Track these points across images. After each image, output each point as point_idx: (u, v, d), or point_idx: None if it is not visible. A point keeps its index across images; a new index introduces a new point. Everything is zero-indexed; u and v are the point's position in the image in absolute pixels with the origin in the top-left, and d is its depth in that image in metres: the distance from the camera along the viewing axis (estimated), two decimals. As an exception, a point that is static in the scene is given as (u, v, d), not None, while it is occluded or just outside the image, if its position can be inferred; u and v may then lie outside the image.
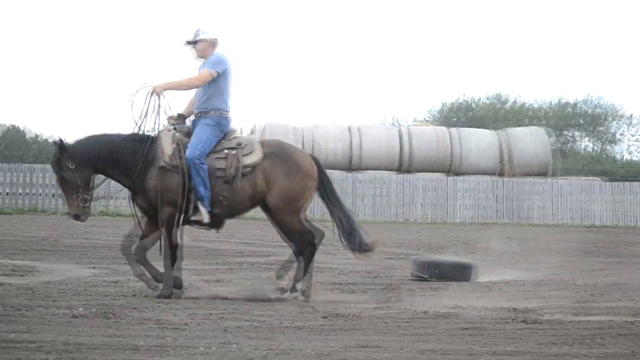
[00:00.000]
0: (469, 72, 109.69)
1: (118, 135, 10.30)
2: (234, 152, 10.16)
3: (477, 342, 7.69)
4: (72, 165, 10.02)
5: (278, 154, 10.31)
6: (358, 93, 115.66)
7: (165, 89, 10.28)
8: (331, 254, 16.18)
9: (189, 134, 10.19)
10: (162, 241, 10.05)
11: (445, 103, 74.22)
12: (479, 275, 12.63)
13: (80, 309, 8.67)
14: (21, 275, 11.57)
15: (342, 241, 10.74)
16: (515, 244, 20.42)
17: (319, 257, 15.56)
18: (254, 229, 22.84)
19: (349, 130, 34.02)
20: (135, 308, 8.96)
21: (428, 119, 72.20)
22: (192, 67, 10.48)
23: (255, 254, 16.01)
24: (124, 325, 7.97)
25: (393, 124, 62.15)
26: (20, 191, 31.00)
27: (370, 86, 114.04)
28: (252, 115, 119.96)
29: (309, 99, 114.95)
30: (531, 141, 35.25)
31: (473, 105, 73.34)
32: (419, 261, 12.61)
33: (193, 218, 10.07)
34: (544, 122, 62.35)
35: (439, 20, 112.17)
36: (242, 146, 10.22)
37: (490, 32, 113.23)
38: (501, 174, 34.56)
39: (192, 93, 10.50)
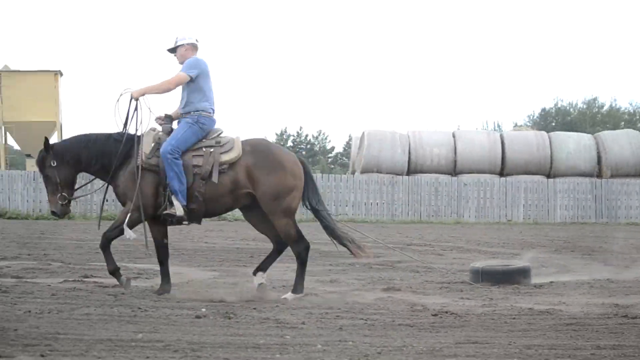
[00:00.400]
0: (565, 77, 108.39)
1: (102, 135, 10.29)
2: (211, 149, 10.01)
3: (581, 337, 7.55)
4: (54, 163, 10.07)
5: (261, 151, 10.11)
6: (459, 99, 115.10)
7: (143, 94, 10.22)
8: (439, 254, 16.02)
9: (170, 133, 10.16)
10: (146, 238, 10.02)
11: (545, 108, 73.63)
12: (533, 278, 12.01)
13: (203, 310, 8.68)
14: (146, 278, 11.65)
15: (333, 238, 10.45)
16: (615, 242, 19.99)
17: (428, 258, 15.48)
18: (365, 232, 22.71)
19: (453, 135, 33.90)
20: (254, 308, 8.93)
21: (528, 123, 71.70)
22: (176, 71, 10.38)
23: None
24: (245, 324, 7.94)
25: (495, 129, 61.72)
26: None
27: (471, 92, 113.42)
28: (355, 123, 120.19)
29: (411, 106, 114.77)
30: (626, 143, 34.64)
31: (570, 109, 72.51)
32: (473, 268, 12.18)
33: (165, 212, 9.90)
34: (639, 126, 61.32)
35: (540, 25, 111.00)
36: (221, 144, 10.06)
37: (586, 37, 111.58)
38: (598, 176, 34.05)
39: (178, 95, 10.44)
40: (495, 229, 27.40)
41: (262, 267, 10.34)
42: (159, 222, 10.11)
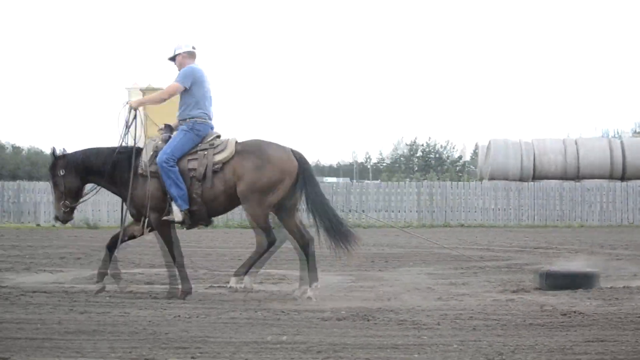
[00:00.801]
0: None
1: (108, 148, 10.32)
2: (205, 152, 9.93)
3: None
4: (62, 172, 10.18)
5: (251, 150, 9.94)
6: (576, 106, 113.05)
7: (140, 105, 10.38)
8: (552, 256, 15.66)
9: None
10: (159, 244, 10.10)
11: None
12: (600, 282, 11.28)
13: (343, 312, 8.64)
14: (288, 283, 11.59)
15: (321, 237, 10.06)
16: None
17: (542, 260, 15.12)
18: (491, 237, 22.48)
19: (575, 143, 33.28)
20: (391, 310, 8.84)
21: (647, 130, 69.96)
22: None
23: (497, 258, 15.64)
24: (383, 326, 7.87)
25: (614, 136, 60.35)
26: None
27: (588, 99, 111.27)
28: (478, 133, 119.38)
29: (529, 114, 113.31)
30: None
31: (690, 114, 70.43)
32: (539, 272, 11.50)
33: (164, 217, 9.89)
34: None
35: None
36: (215, 146, 9.98)
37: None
38: None
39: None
40: (618, 231, 26.76)
41: (305, 276, 10.06)
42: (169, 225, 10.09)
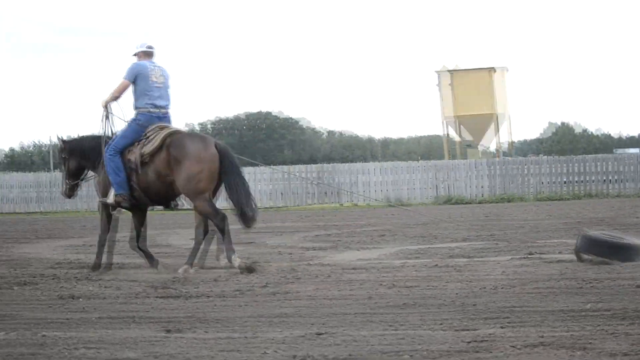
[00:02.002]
0: None
1: (92, 137, 11.35)
2: (138, 144, 10.56)
3: None
4: (65, 156, 11.36)
5: (174, 144, 10.40)
6: None
7: (108, 101, 11.11)
8: None
9: None
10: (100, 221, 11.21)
11: None
12: None
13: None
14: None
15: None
16: None
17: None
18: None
19: None
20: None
21: None
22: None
23: None
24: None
25: None
26: (575, 179, 31.48)
27: None
28: None
29: None
30: None
31: None
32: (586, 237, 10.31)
33: (101, 199, 10.98)
34: None
35: None
36: (147, 137, 10.56)
37: None
38: None
39: None
40: None
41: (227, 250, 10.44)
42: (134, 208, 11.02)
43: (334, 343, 5.89)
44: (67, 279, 9.77)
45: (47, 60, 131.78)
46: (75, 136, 11.76)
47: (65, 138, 11.67)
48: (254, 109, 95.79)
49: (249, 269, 10.12)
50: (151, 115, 10.80)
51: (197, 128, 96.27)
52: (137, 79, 10.83)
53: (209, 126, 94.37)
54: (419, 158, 44.79)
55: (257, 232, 17.53)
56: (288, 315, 7.14)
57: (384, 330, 6.34)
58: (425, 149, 79.48)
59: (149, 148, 10.54)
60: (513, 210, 24.90)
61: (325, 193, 32.79)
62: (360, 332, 6.26)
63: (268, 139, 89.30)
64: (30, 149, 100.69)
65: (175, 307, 7.66)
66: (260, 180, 32.95)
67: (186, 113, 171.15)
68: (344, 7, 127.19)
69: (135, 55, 11.16)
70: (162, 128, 10.68)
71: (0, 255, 13.18)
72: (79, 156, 11.35)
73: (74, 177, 11.52)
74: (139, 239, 11.04)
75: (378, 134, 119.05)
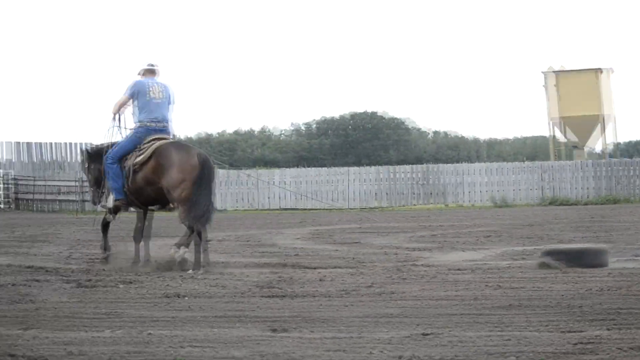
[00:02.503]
0: None
1: (102, 146, 11.96)
2: (131, 154, 11.26)
3: None
4: (87, 164, 12.18)
5: (162, 153, 11.04)
6: None
7: (114, 112, 11.75)
8: None
9: None
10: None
11: None
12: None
13: None
14: None
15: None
16: None
17: None
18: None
19: None
20: None
21: None
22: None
23: None
24: None
25: None
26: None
27: None
28: None
29: None
30: None
31: None
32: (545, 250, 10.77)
33: (102, 204, 11.81)
34: None
35: None
36: (140, 149, 11.24)
37: None
38: None
39: None
40: None
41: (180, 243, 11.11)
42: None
43: (440, 344, 5.85)
44: (173, 278, 9.85)
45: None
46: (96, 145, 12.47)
47: (88, 148, 12.57)
48: (359, 108, 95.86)
49: (183, 262, 10.89)
50: (148, 128, 11.43)
51: (302, 128, 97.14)
52: (136, 95, 11.51)
53: (314, 126, 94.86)
54: (525, 159, 44.25)
55: (362, 232, 17.59)
56: (394, 315, 7.12)
57: (490, 332, 6.28)
58: (530, 150, 78.37)
59: (140, 158, 11.24)
60: (619, 211, 24.44)
61: (431, 193, 32.70)
62: (466, 333, 6.20)
63: (374, 139, 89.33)
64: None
65: (281, 307, 7.68)
66: (366, 180, 33.05)
67: (291, 113, 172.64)
68: (449, 6, 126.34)
69: (139, 74, 11.81)
70: (157, 140, 11.33)
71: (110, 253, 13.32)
72: (99, 164, 11.86)
73: (98, 185, 12.01)
74: (143, 232, 11.68)
75: (483, 135, 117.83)
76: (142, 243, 11.61)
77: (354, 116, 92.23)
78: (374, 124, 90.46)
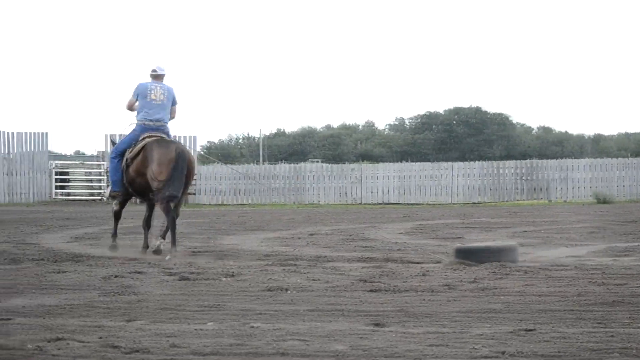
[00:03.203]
0: None
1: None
2: (129, 149, 12.36)
3: None
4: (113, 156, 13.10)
5: (147, 149, 12.08)
6: None
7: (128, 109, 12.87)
8: None
9: None
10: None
11: None
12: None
13: None
14: None
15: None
16: None
17: None
18: None
19: None
20: None
21: None
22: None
23: None
24: None
25: None
26: None
27: None
28: None
29: None
30: None
31: None
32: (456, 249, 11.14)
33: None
34: None
35: None
36: (134, 145, 12.34)
37: None
38: None
39: None
40: None
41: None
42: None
43: (543, 340, 5.78)
44: (275, 272, 9.83)
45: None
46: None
47: (114, 140, 14.04)
48: (464, 104, 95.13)
49: (157, 252, 11.78)
50: (145, 126, 12.51)
51: (407, 123, 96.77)
52: (138, 96, 12.61)
53: (419, 120, 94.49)
54: (629, 155, 43.28)
55: (465, 228, 17.47)
56: (497, 311, 7.06)
57: (593, 328, 6.19)
58: (636, 146, 76.62)
59: (131, 153, 12.35)
60: None
61: (534, 189, 32.28)
62: (570, 330, 6.13)
63: (478, 134, 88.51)
64: (240, 141, 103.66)
65: (384, 301, 7.66)
66: (470, 175, 32.79)
67: (396, 108, 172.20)
68: (551, 3, 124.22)
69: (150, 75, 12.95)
70: (148, 137, 12.36)
71: (209, 246, 13.51)
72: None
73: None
74: (149, 220, 12.67)
75: (589, 131, 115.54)
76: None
77: (459, 111, 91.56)
78: (479, 119, 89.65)
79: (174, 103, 12.78)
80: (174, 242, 11.75)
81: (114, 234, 12.79)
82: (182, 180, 12.08)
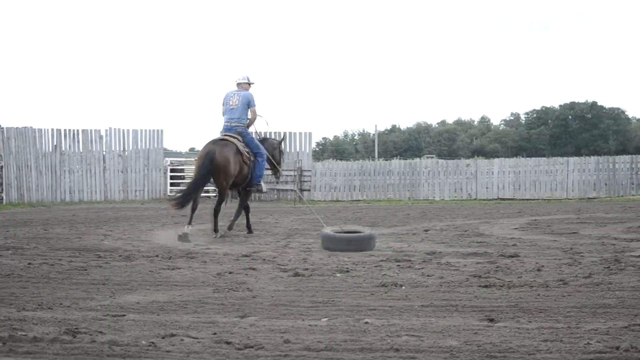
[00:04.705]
0: None
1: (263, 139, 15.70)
2: None
3: None
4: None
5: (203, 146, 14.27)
6: None
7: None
8: None
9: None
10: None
11: None
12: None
13: None
14: None
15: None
16: None
17: None
18: None
19: None
20: None
21: None
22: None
23: None
24: None
25: None
26: None
27: None
28: None
29: None
30: None
31: None
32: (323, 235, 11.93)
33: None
34: None
35: None
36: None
37: None
38: None
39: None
40: None
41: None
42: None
43: (658, 336, 5.66)
44: (389, 267, 9.78)
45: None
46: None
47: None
48: (579, 98, 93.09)
49: (182, 236, 13.35)
50: (224, 127, 14.52)
51: (522, 118, 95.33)
52: (224, 104, 14.61)
53: (534, 115, 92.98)
54: None
55: (580, 223, 17.12)
56: (611, 306, 6.94)
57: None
58: None
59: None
60: None
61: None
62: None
63: (593, 128, 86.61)
64: (355, 137, 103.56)
65: (497, 297, 7.59)
66: (585, 170, 32.12)
67: (511, 103, 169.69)
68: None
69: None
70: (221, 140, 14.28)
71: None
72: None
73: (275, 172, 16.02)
74: (219, 207, 14.24)
75: None
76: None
77: (574, 106, 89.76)
78: (594, 114, 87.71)
79: (250, 106, 14.53)
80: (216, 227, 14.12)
81: (215, 229, 14.29)
82: (203, 176, 13.74)
